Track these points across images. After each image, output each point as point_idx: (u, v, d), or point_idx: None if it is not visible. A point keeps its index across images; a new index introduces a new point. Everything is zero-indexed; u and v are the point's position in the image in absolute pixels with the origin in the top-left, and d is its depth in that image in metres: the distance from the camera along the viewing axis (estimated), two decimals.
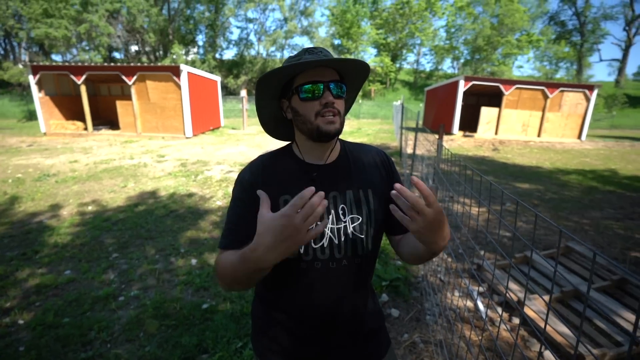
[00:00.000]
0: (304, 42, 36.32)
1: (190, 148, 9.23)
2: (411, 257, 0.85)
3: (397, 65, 36.80)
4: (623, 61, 38.93)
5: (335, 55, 0.79)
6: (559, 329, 1.97)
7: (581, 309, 2.24)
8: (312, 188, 0.56)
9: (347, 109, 0.89)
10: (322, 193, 0.58)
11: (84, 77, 10.97)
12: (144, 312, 2.21)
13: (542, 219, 0.76)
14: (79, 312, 2.21)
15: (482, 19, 35.41)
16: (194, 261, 2.92)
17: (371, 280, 0.92)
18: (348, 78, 0.83)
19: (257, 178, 0.82)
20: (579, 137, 13.57)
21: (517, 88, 13.11)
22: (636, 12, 36.69)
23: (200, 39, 33.90)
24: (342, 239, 0.81)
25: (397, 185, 0.63)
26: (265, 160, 0.86)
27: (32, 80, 11.10)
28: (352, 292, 0.85)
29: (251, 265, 0.64)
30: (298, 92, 0.77)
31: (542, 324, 2.03)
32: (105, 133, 11.68)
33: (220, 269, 0.75)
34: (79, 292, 2.43)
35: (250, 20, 33.34)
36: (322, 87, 0.76)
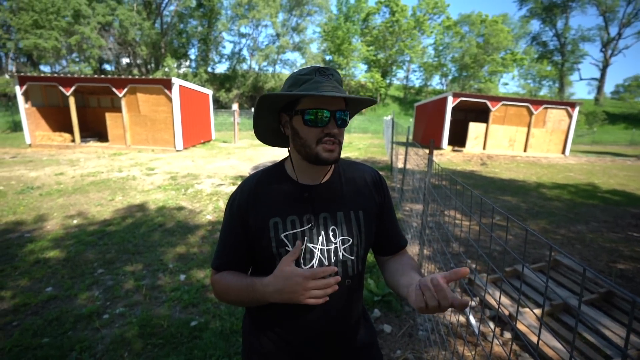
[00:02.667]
0: (296, 58, 37.01)
1: (180, 161, 9.14)
2: (390, 286, 0.88)
3: (388, 81, 37.71)
4: (601, 80, 40.80)
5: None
6: (550, 343, 1.97)
7: (570, 321, 2.26)
8: (335, 268, 0.64)
9: None
10: (335, 274, 0.60)
11: (73, 88, 10.87)
12: (130, 331, 2.13)
13: (532, 233, 0.77)
14: (59, 331, 2.11)
15: (469, 38, 36.88)
16: (182, 277, 2.85)
17: (362, 297, 0.92)
18: (351, 105, 0.83)
19: (246, 201, 0.82)
20: (563, 152, 14.00)
21: (503, 104, 13.53)
22: (611, 35, 38.72)
23: (193, 52, 34.26)
24: (333, 261, 0.80)
25: (435, 280, 0.61)
26: (256, 182, 0.84)
27: (18, 90, 10.91)
28: (344, 311, 0.84)
29: (257, 296, 0.74)
30: (302, 115, 0.74)
31: (533, 338, 2.03)
32: (94, 145, 11.50)
33: (220, 289, 0.80)
34: (60, 310, 2.33)
35: (243, 35, 33.89)
36: (328, 115, 0.74)
